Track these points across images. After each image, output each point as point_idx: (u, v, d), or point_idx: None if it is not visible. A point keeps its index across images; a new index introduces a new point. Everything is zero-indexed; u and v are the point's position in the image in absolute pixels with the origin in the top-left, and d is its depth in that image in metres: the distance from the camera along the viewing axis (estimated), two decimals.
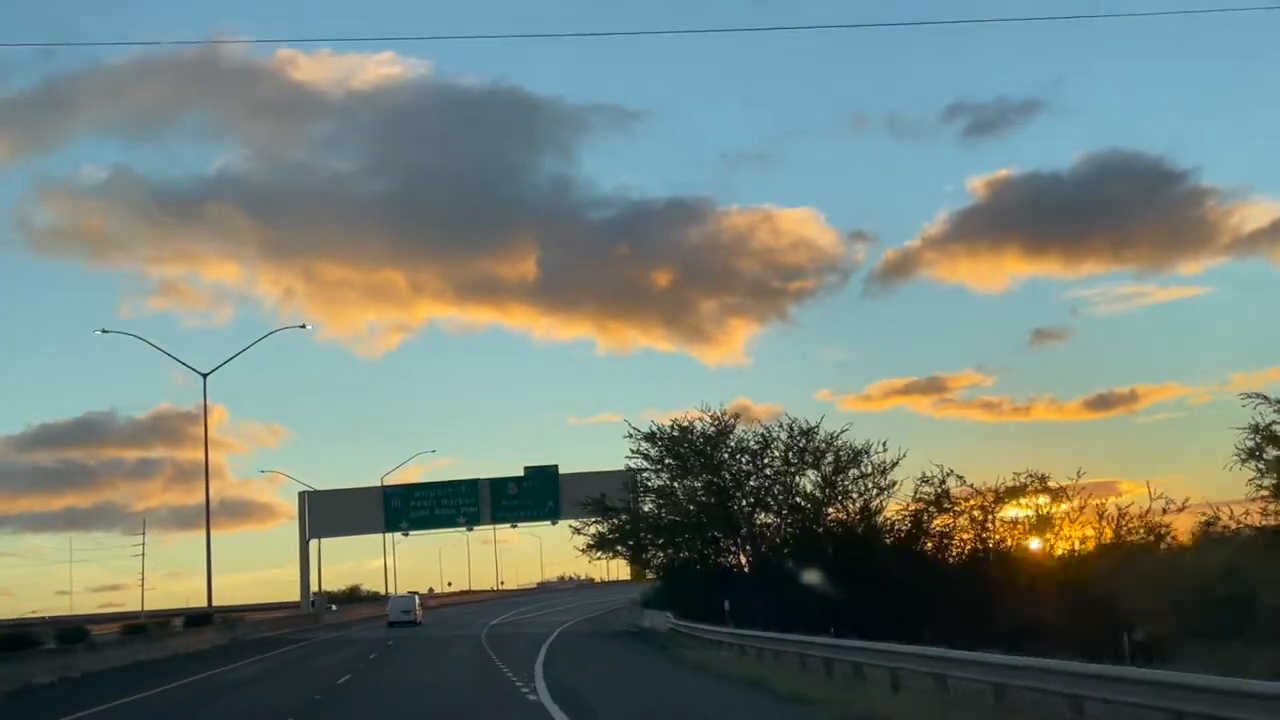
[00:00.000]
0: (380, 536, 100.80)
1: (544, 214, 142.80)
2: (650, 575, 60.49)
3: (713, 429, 48.38)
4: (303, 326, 56.56)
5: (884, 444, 46.93)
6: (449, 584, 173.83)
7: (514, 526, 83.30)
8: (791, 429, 47.27)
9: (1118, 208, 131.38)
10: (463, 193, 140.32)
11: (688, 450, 48.68)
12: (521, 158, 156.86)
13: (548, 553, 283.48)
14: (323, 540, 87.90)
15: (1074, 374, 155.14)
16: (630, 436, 50.13)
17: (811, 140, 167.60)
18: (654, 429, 49.85)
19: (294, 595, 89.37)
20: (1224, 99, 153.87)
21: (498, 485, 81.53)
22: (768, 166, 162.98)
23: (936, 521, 46.01)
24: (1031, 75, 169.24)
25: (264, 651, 47.49)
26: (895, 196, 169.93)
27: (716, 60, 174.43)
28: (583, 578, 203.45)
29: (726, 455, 48.41)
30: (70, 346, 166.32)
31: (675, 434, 49.15)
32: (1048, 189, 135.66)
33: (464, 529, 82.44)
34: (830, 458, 46.78)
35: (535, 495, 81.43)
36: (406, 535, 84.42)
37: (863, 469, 46.83)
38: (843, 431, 47.07)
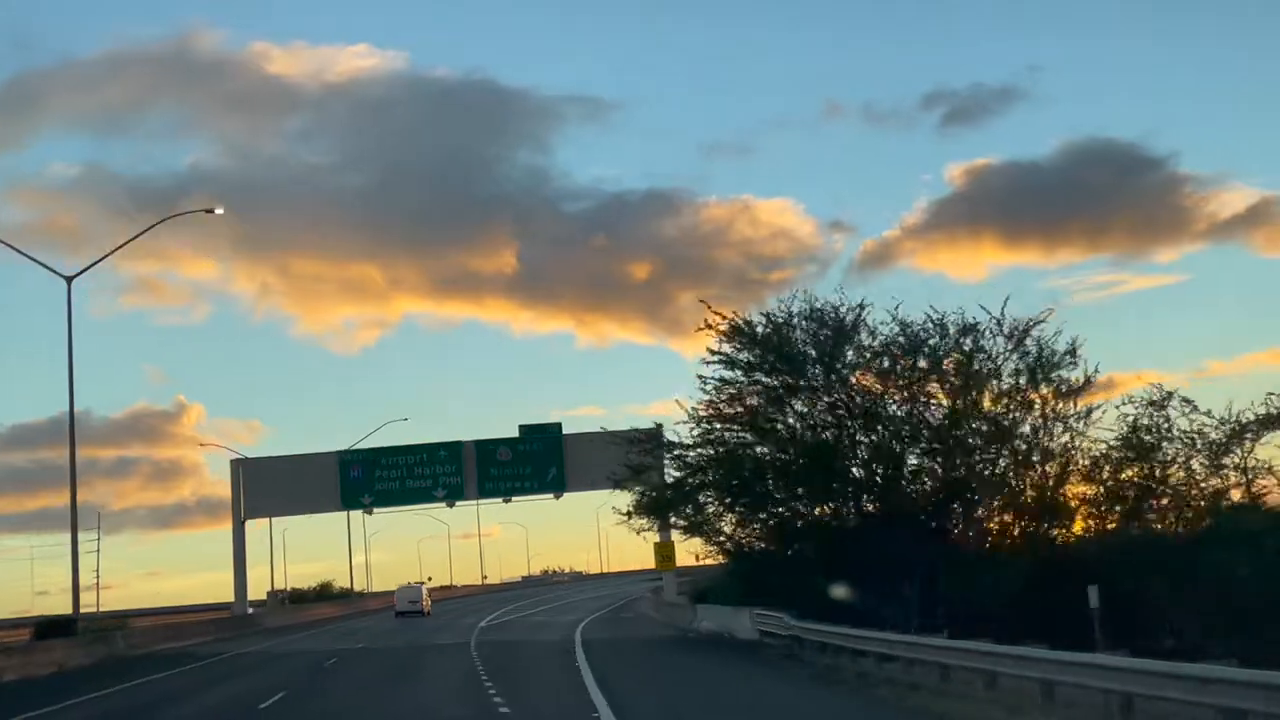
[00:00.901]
0: (344, 523, 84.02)
1: (521, 206, 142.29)
2: (710, 557, 43.11)
3: (843, 313, 30.80)
4: (210, 211, 38.84)
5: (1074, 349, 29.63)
6: (429, 578, 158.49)
7: (507, 501, 65.59)
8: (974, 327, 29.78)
9: (1095, 195, 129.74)
10: (439, 185, 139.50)
11: (798, 356, 31.13)
12: (497, 150, 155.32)
13: (536, 543, 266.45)
14: (287, 530, 70.18)
15: None
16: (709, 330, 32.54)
17: (789, 130, 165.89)
18: (741, 323, 32.22)
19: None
20: (1199, 85, 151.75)
21: (485, 449, 63.96)
22: (745, 157, 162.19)
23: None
24: (1007, 63, 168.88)
25: (120, 680, 29.90)
26: (874, 186, 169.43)
27: (692, 50, 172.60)
28: (569, 570, 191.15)
29: (855, 360, 30.93)
30: (43, 346, 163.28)
31: (779, 327, 31.54)
32: (1026, 177, 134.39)
33: (443, 504, 64.78)
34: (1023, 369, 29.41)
35: (533, 462, 63.88)
36: (370, 513, 66.63)
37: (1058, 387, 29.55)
38: (1039, 320, 29.65)
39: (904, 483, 29.97)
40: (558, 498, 65.25)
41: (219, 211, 40.57)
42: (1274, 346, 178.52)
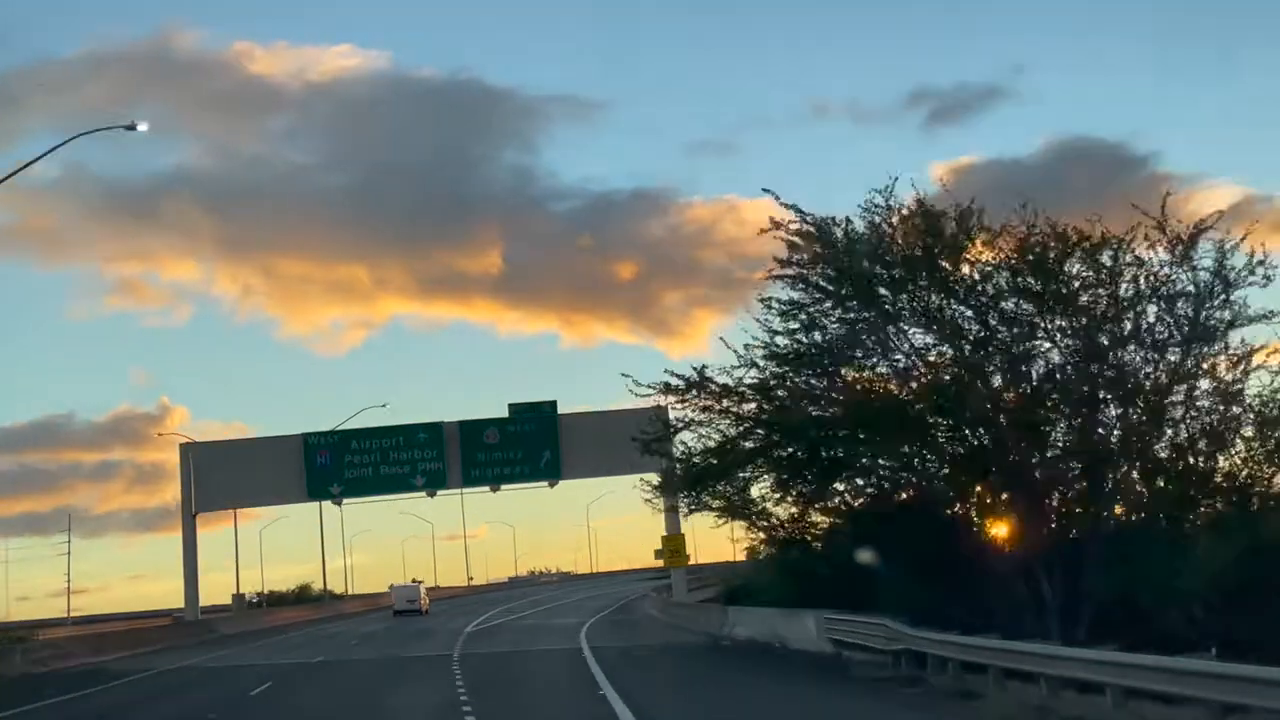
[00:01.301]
0: (323, 520, 76.65)
1: (506, 206, 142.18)
2: (746, 546, 36.06)
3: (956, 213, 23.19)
4: (131, 127, 31.31)
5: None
6: (413, 580, 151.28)
7: (495, 490, 58.14)
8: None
9: (1078, 194, 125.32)
10: (424, 185, 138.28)
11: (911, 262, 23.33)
12: (483, 150, 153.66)
13: (523, 543, 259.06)
14: (267, 530, 62.72)
15: None
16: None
17: (773, 129, 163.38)
18: (825, 222, 24.50)
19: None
20: (1182, 83, 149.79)
21: (471, 431, 56.54)
22: (730, 156, 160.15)
23: None
24: (992, 62, 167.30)
25: None
26: (858, 184, 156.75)
27: (678, 49, 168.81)
28: (556, 571, 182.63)
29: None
30: (25, 349, 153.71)
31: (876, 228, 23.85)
32: (1009, 176, 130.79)
33: (422, 493, 57.25)
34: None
35: (525, 444, 56.48)
36: (340, 504, 58.97)
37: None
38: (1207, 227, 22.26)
39: (1051, 443, 22.46)
40: (552, 485, 57.95)
41: (142, 128, 33.18)
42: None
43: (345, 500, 57.73)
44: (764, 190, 25.37)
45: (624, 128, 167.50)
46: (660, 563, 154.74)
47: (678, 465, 28.84)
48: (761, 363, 25.08)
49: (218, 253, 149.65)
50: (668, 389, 27.09)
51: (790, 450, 25.43)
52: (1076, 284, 22.17)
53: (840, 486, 25.79)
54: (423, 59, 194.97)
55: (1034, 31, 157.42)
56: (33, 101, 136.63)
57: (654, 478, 31.77)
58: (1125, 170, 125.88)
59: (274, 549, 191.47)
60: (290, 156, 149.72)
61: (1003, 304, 22.72)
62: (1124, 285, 22.20)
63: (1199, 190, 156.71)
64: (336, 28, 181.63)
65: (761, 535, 28.94)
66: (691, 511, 30.72)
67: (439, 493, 57.47)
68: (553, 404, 57.53)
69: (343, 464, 55.64)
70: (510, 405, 57.43)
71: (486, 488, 57.43)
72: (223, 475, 55.34)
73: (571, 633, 41.70)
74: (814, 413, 24.42)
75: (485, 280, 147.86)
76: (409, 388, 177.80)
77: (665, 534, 57.50)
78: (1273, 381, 21.79)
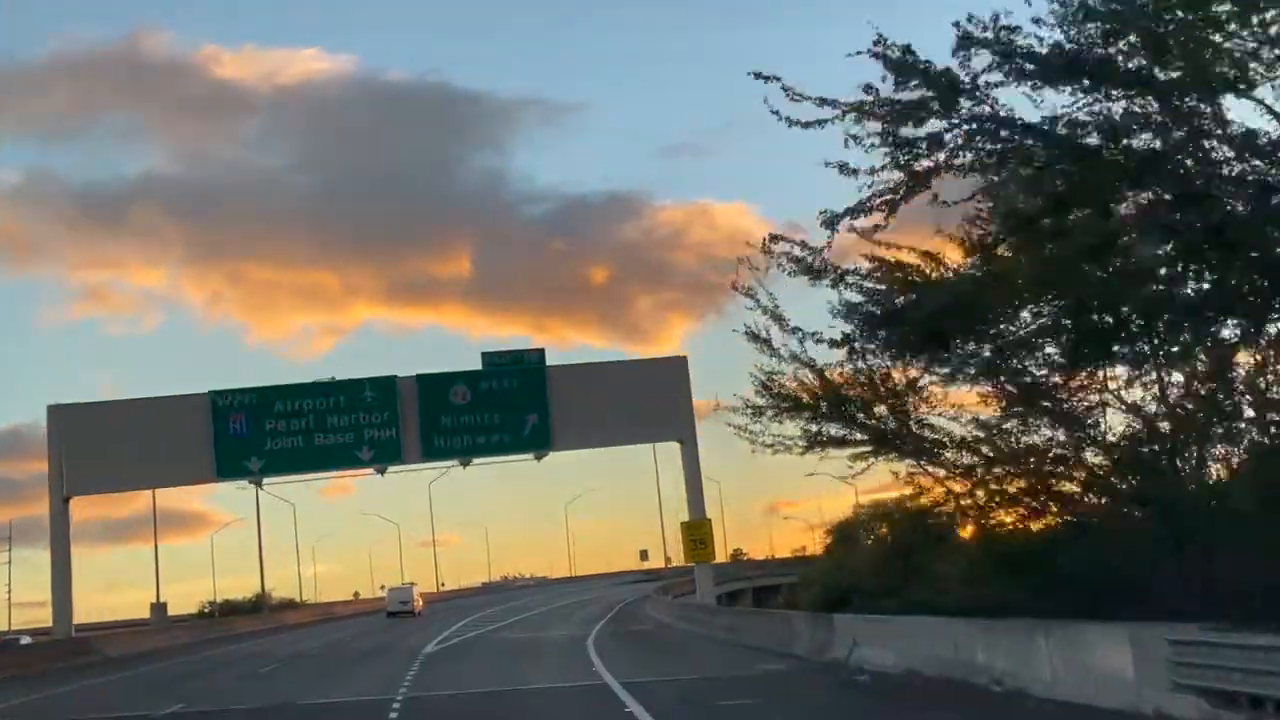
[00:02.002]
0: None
1: (478, 211, 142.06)
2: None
3: None
4: None
5: None
6: (382, 586, 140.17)
7: (465, 464, 44.91)
8: None
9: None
10: (394, 190, 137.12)
11: None
12: (453, 153, 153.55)
13: (497, 546, 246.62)
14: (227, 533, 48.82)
15: None
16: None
17: (745, 132, 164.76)
18: None
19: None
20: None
21: (434, 388, 43.42)
22: (702, 159, 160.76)
23: None
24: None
25: None
26: (829, 187, 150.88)
27: (650, 53, 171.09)
28: (530, 576, 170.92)
29: None
30: None
31: None
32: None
33: (370, 469, 43.82)
34: None
35: (504, 405, 43.40)
36: (260, 486, 45.28)
37: None
38: None
39: None
40: (539, 458, 44.73)
41: None
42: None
43: (268, 480, 44.21)
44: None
45: (596, 131, 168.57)
46: (646, 564, 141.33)
47: (874, 301, 15.43)
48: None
49: (186, 259, 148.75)
50: (872, 107, 13.31)
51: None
52: None
53: None
54: (392, 62, 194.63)
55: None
56: None
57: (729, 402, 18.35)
58: None
59: (243, 554, 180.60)
60: (258, 161, 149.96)
61: None
62: None
63: None
64: (305, 31, 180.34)
65: (960, 488, 15.91)
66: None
67: (392, 469, 44.12)
68: (540, 352, 44.45)
69: (263, 432, 42.32)
70: (485, 354, 44.32)
71: (454, 461, 44.26)
72: (106, 448, 41.89)
73: (576, 652, 28.73)
74: None
75: (457, 285, 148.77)
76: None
77: (687, 520, 44.48)
78: None
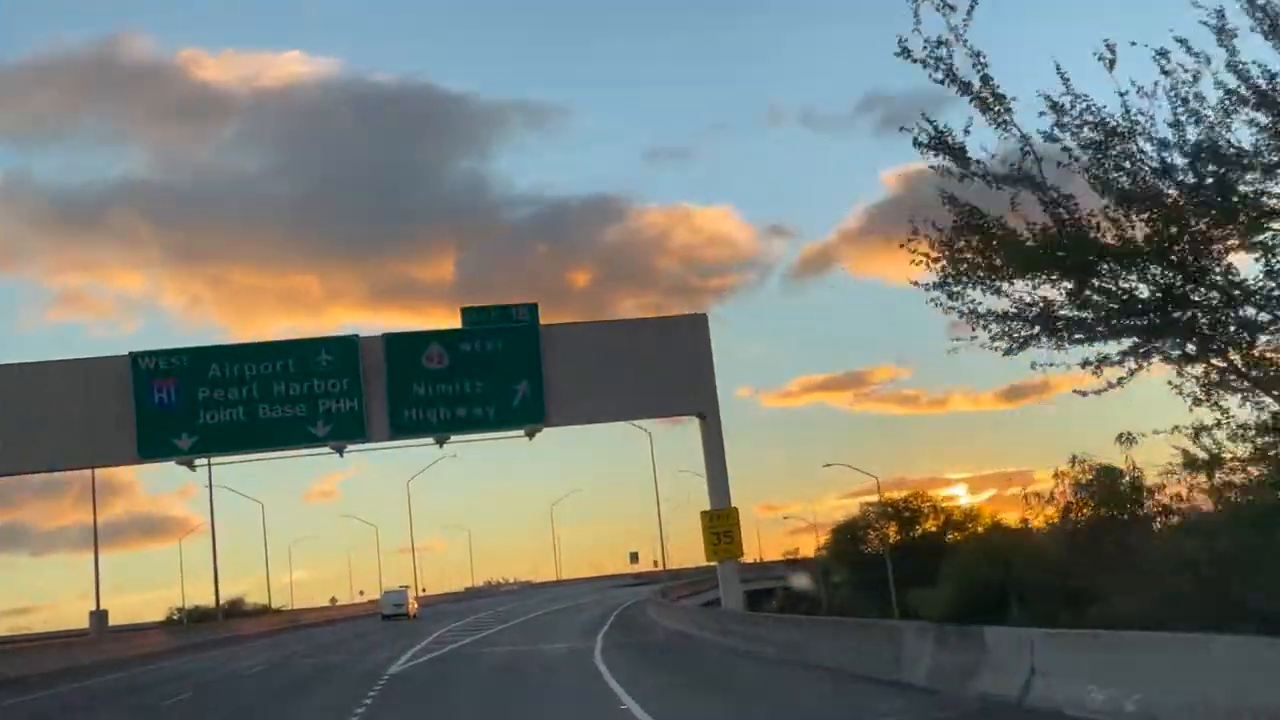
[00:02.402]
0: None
1: (460, 214, 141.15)
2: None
3: None
4: None
5: None
6: (360, 592, 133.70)
7: (441, 442, 37.28)
8: None
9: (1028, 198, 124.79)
10: (376, 193, 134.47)
11: None
12: (436, 156, 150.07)
13: (481, 551, 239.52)
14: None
15: (989, 365, 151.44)
16: None
17: (728, 136, 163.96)
18: None
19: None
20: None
21: (404, 350, 35.97)
22: (686, 162, 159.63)
23: None
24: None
25: None
26: (812, 191, 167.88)
27: (633, 56, 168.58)
28: (513, 580, 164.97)
29: None
30: None
31: None
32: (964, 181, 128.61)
33: (326, 448, 36.11)
34: None
35: (489, 371, 35.98)
36: (194, 467, 37.38)
37: None
38: None
39: None
40: (531, 436, 37.18)
41: None
42: None
43: (203, 460, 36.41)
44: None
45: (580, 134, 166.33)
46: (636, 567, 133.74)
47: None
48: None
49: (165, 263, 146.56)
50: None
51: None
52: None
53: None
54: (374, 65, 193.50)
55: (986, 35, 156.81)
56: None
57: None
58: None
59: (223, 560, 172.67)
60: (239, 165, 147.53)
61: None
62: None
63: None
64: (286, 34, 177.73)
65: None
66: None
67: (353, 447, 36.55)
68: (531, 308, 36.97)
69: (195, 403, 34.73)
70: (465, 310, 36.80)
71: (428, 439, 36.64)
72: (5, 422, 34.22)
73: (585, 674, 21.58)
74: None
75: (440, 288, 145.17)
76: None
77: (708, 510, 37.13)
78: None
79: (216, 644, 52.64)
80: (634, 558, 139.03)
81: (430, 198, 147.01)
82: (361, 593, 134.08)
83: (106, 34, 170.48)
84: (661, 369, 36.95)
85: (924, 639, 16.98)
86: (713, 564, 37.81)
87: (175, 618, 75.95)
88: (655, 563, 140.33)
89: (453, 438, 36.55)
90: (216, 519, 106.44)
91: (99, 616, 60.72)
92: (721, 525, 36.45)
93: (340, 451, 36.13)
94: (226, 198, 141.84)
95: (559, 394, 36.26)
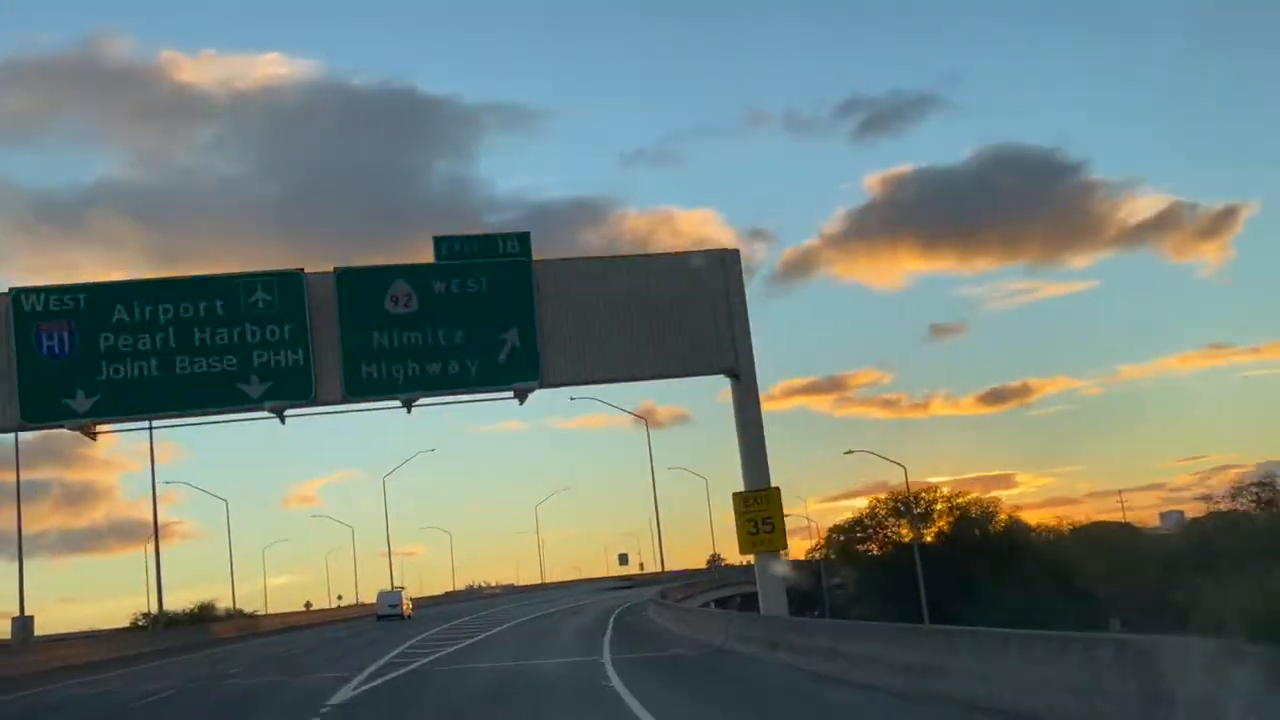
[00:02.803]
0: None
1: (441, 217, 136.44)
2: None
3: None
4: None
5: None
6: (339, 597, 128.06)
7: (409, 407, 29.58)
8: None
9: (1010, 203, 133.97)
10: (357, 196, 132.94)
11: None
12: (417, 159, 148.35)
13: (462, 555, 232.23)
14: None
15: (969, 369, 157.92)
16: None
17: (710, 139, 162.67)
18: None
19: None
20: (1112, 91, 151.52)
21: (361, 288, 28.63)
22: (667, 165, 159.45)
23: None
24: (924, 71, 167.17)
25: None
26: (793, 194, 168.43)
27: (615, 59, 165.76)
28: (496, 584, 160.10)
29: None
30: None
31: None
32: (942, 184, 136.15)
33: (263, 409, 28.47)
34: None
35: (469, 317, 28.73)
36: (94, 435, 29.49)
37: None
38: None
39: None
40: (522, 398, 29.78)
41: None
42: (1185, 351, 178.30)
43: (104, 425, 28.73)
44: None
45: (561, 137, 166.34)
46: (624, 570, 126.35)
47: None
48: None
49: (146, 265, 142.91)
50: None
51: None
52: None
53: None
54: (355, 67, 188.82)
55: (966, 40, 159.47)
56: None
57: None
58: (1056, 178, 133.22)
59: (206, 564, 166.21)
60: (219, 167, 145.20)
61: None
62: None
63: (1129, 198, 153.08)
64: (266, 35, 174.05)
65: None
66: None
67: (297, 410, 29.01)
68: (523, 238, 29.59)
69: (96, 353, 27.28)
70: (438, 239, 29.37)
71: (392, 400, 29.13)
72: None
73: (614, 713, 14.11)
74: None
75: None
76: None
77: (742, 491, 29.86)
78: None
79: (155, 654, 45.09)
80: (623, 559, 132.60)
81: (411, 201, 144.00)
82: (340, 597, 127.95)
83: (85, 36, 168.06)
84: (684, 317, 29.82)
85: (1227, 667, 9.66)
86: (699, 567, 30.41)
87: (141, 624, 71.15)
88: (641, 565, 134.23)
89: (422, 399, 29.09)
90: (195, 523, 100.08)
91: (21, 624, 52.87)
92: (759, 510, 29.20)
93: (281, 415, 28.62)
94: (206, 200, 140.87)
95: (557, 346, 28.99)
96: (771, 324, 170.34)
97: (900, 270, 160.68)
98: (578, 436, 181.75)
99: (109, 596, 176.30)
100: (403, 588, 76.61)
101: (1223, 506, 59.59)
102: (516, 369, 28.66)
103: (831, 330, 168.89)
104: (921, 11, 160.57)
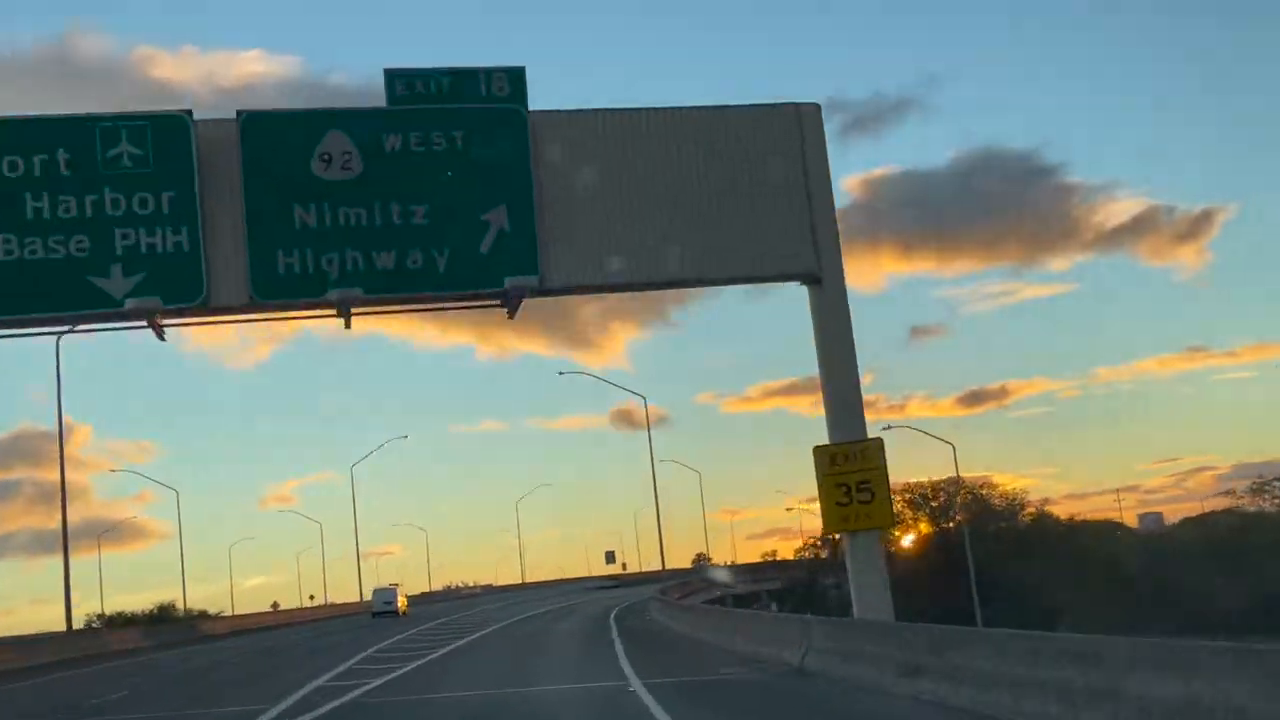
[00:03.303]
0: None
1: None
2: None
3: None
4: None
5: None
6: (311, 597, 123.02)
7: (346, 318, 20.39)
8: None
9: (989, 205, 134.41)
10: None
11: None
12: None
13: (439, 555, 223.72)
14: None
15: (948, 371, 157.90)
16: None
17: None
18: None
19: None
20: (1090, 95, 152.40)
21: (275, 143, 19.36)
22: None
23: None
24: (904, 73, 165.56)
25: None
26: None
27: (589, 58, 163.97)
28: (475, 584, 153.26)
29: None
30: None
31: None
32: (922, 187, 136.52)
33: (141, 324, 19.36)
34: None
35: (437, 187, 19.46)
36: None
37: None
38: None
39: None
40: (512, 309, 20.60)
41: None
42: (1163, 354, 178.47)
43: None
44: None
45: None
46: (612, 569, 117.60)
47: None
48: None
49: None
50: None
51: None
52: None
53: None
54: (335, 64, 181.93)
55: (946, 43, 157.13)
56: None
57: None
58: (1035, 181, 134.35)
59: (188, 564, 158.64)
60: None
61: None
62: None
63: (1106, 201, 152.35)
64: (246, 32, 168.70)
65: None
66: None
67: (176, 320, 19.79)
68: (517, 74, 20.32)
69: None
70: (389, 72, 20.10)
71: (324, 307, 19.91)
72: None
73: None
74: None
75: None
76: (324, 403, 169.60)
77: (825, 445, 20.80)
78: None
79: (42, 670, 36.08)
80: (610, 557, 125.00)
81: None
82: (311, 597, 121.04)
83: (60, 32, 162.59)
84: (745, 197, 20.82)
85: None
86: (684, 567, 21.45)
87: (95, 624, 71.77)
88: (624, 565, 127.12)
89: (372, 304, 19.97)
90: (176, 524, 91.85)
91: None
92: (853, 471, 20.16)
93: (156, 327, 19.37)
94: None
95: (564, 232, 20.00)
96: (750, 326, 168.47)
97: (880, 272, 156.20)
98: (559, 438, 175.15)
99: (86, 599, 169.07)
100: (398, 584, 75.86)
101: (1246, 504, 59.75)
102: (504, 262, 19.60)
103: (809, 332, 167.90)
104: (902, 14, 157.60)
